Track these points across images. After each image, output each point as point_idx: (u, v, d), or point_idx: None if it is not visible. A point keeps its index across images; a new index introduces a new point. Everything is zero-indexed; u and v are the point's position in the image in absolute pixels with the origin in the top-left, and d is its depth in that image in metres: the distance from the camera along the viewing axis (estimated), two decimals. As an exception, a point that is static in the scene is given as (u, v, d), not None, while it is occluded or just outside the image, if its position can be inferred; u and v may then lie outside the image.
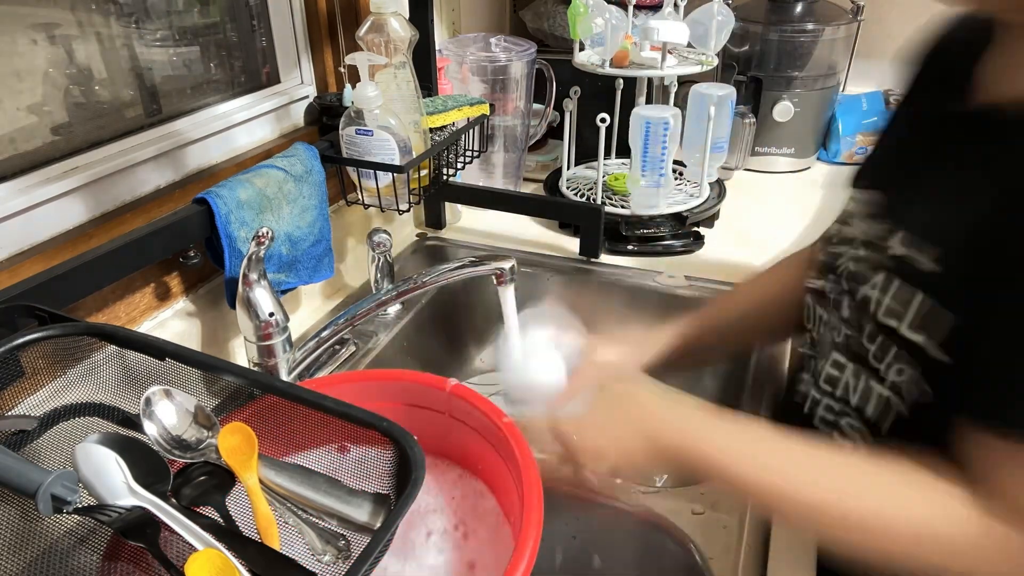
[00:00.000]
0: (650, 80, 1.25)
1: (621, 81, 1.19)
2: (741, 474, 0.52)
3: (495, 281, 0.77)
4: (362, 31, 0.82)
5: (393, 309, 0.98)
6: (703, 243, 1.14)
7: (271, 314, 0.71)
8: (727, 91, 1.08)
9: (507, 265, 0.75)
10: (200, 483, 0.47)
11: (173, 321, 0.76)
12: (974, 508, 0.45)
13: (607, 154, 1.30)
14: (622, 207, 1.15)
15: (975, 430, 0.46)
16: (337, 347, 0.89)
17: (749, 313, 0.76)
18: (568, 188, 1.23)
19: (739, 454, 0.53)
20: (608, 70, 1.11)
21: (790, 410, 0.66)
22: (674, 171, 1.23)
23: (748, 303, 0.77)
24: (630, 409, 0.59)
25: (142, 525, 0.42)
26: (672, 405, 0.58)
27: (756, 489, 0.52)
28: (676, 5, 1.10)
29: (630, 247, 1.12)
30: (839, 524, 0.49)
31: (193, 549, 0.40)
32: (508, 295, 0.76)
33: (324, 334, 0.78)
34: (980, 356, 0.45)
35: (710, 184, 1.21)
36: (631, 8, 1.16)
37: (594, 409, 0.62)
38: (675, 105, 1.11)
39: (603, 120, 1.05)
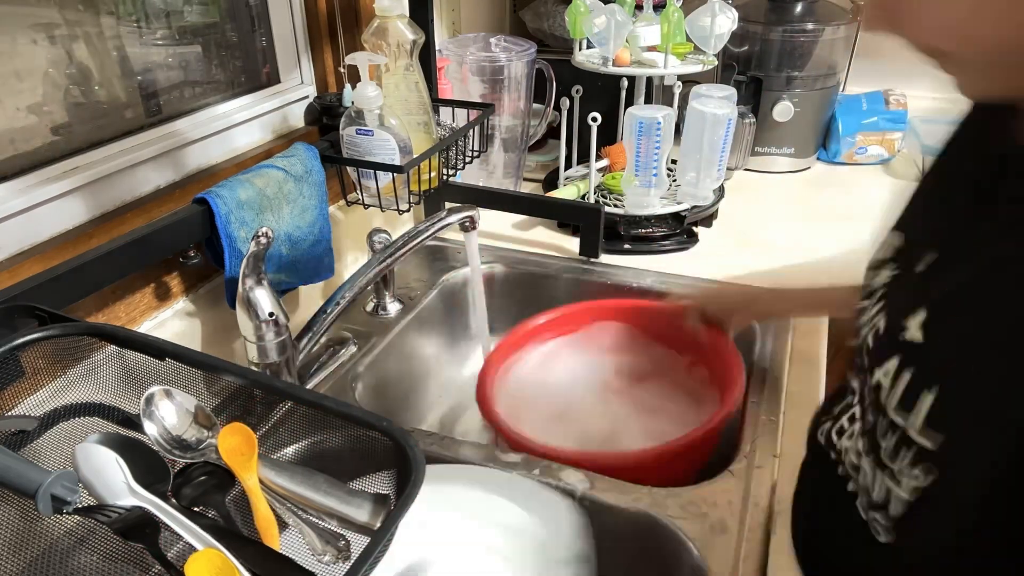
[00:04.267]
0: (650, 80, 1.25)
1: (625, 80, 1.19)
2: None
3: (463, 228, 0.89)
4: (367, 34, 0.82)
5: (394, 309, 0.98)
6: (697, 240, 1.14)
7: (271, 314, 0.71)
8: (727, 110, 1.07)
9: (472, 213, 0.88)
10: (200, 483, 0.47)
11: (173, 321, 0.76)
12: None
13: (607, 154, 1.30)
14: (615, 206, 1.15)
15: None
16: (337, 347, 0.89)
17: None
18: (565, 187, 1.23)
19: None
20: (609, 69, 1.12)
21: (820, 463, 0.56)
22: (670, 175, 1.23)
23: None
24: None
25: (142, 525, 0.42)
26: None
27: None
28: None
29: (625, 246, 1.12)
30: None
31: (193, 549, 0.40)
32: (472, 240, 0.91)
33: (314, 328, 0.78)
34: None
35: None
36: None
37: None
38: (679, 107, 1.11)
39: (594, 119, 1.05)
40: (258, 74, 0.95)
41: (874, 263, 0.52)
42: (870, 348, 0.47)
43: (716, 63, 1.16)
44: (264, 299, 0.71)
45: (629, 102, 1.20)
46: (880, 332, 0.46)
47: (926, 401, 0.40)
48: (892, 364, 0.43)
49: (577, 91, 1.17)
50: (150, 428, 0.46)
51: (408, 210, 0.87)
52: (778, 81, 1.39)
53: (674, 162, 1.23)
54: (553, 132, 1.42)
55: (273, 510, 0.45)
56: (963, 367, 0.39)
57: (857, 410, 0.50)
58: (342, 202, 0.91)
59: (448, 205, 0.95)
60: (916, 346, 0.41)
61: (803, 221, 1.25)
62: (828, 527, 0.55)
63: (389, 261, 0.83)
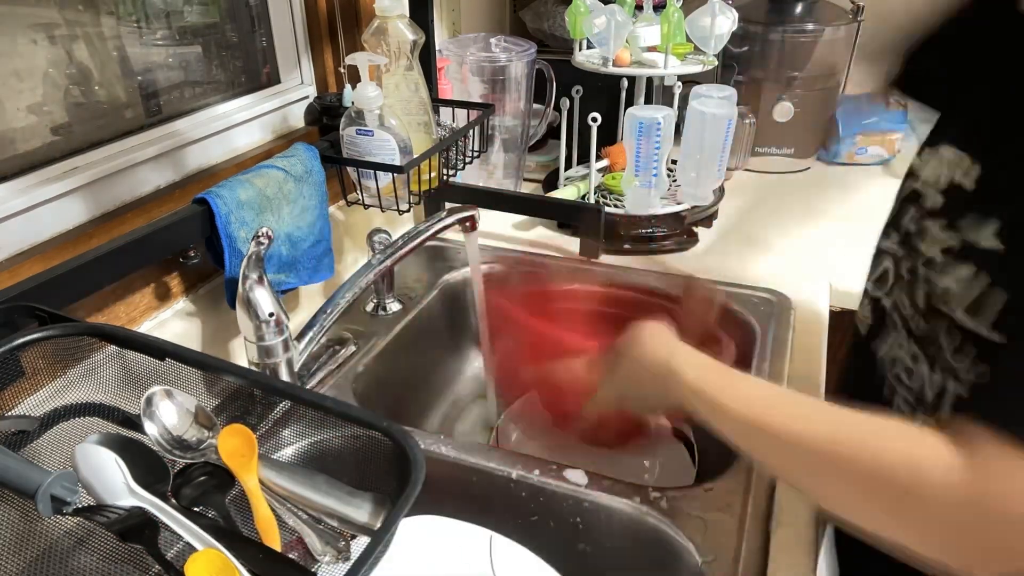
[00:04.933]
0: (650, 80, 1.25)
1: (625, 81, 1.19)
2: (733, 411, 0.52)
3: (464, 228, 0.87)
4: (367, 34, 0.82)
5: (394, 309, 0.98)
6: (697, 240, 1.14)
7: (271, 314, 0.71)
8: (727, 110, 1.07)
9: (472, 213, 0.87)
10: (200, 483, 0.47)
11: (173, 321, 0.76)
12: (957, 464, 0.42)
13: (607, 154, 1.30)
14: (615, 206, 1.15)
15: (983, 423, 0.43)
16: (337, 347, 0.89)
17: None
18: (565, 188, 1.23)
19: (737, 394, 0.53)
20: (609, 69, 1.12)
21: (860, 378, 0.64)
22: (670, 175, 1.23)
23: None
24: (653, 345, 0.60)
25: (141, 527, 0.42)
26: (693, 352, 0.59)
27: (746, 427, 0.52)
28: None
29: (625, 246, 1.12)
30: (827, 466, 0.47)
31: (193, 549, 0.40)
32: (472, 241, 0.89)
33: (314, 328, 0.78)
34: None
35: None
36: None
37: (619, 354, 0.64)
38: (679, 107, 1.11)
39: (594, 119, 1.05)
40: (258, 74, 0.95)
41: (953, 189, 0.53)
42: (936, 262, 0.52)
43: (716, 63, 1.16)
44: (264, 299, 0.71)
45: (629, 102, 1.20)
46: (951, 248, 0.51)
47: (998, 303, 0.44)
48: (965, 271, 0.48)
49: (577, 91, 1.17)
50: (150, 428, 0.46)
51: (408, 210, 0.87)
52: (778, 81, 1.39)
53: (674, 162, 1.23)
54: (553, 132, 1.42)
55: (273, 510, 0.45)
56: None
57: (900, 325, 0.56)
58: (342, 202, 0.91)
59: (448, 205, 0.94)
60: (992, 253, 0.46)
61: (803, 221, 1.25)
62: None
63: (389, 261, 0.82)
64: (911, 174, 0.59)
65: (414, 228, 0.84)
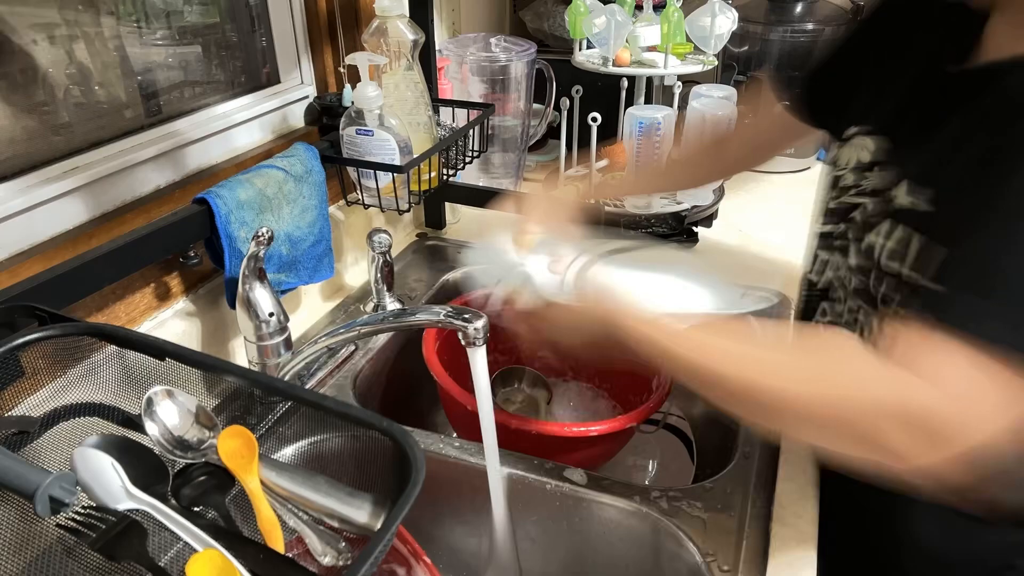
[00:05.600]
0: (650, 80, 1.25)
1: (625, 80, 1.19)
2: (674, 351, 0.55)
3: (461, 340, 0.63)
4: (367, 34, 0.82)
5: (392, 308, 0.98)
6: (697, 240, 1.14)
7: (271, 314, 0.71)
8: (727, 110, 1.07)
9: (479, 324, 0.62)
10: (200, 483, 0.47)
11: (173, 321, 0.76)
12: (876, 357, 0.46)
13: (607, 154, 1.30)
14: (615, 206, 1.15)
15: (907, 319, 0.47)
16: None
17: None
18: (565, 188, 1.23)
19: (679, 337, 0.56)
20: (609, 69, 1.12)
21: None
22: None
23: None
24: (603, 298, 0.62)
25: (127, 540, 0.42)
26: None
27: (687, 364, 0.55)
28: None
29: (626, 246, 1.12)
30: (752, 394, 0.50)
31: (192, 550, 0.40)
32: (478, 358, 0.63)
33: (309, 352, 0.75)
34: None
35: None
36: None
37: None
38: (679, 107, 1.11)
39: (594, 119, 1.05)
40: (258, 74, 0.95)
41: (864, 165, 0.61)
42: (861, 223, 0.59)
43: (716, 63, 1.16)
44: (264, 299, 0.71)
45: (629, 102, 1.20)
46: (870, 209, 0.59)
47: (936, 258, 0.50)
48: (884, 227, 0.56)
49: (577, 91, 1.17)
50: (151, 428, 0.46)
51: (408, 210, 0.87)
52: (778, 81, 1.38)
53: (674, 162, 1.23)
54: (553, 132, 1.42)
55: (273, 511, 0.45)
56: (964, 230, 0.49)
57: (843, 278, 0.63)
58: (342, 202, 0.91)
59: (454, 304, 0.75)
60: (926, 213, 0.52)
61: (803, 221, 1.25)
62: None
63: (379, 327, 0.70)
64: (832, 163, 0.67)
65: (410, 309, 0.68)
